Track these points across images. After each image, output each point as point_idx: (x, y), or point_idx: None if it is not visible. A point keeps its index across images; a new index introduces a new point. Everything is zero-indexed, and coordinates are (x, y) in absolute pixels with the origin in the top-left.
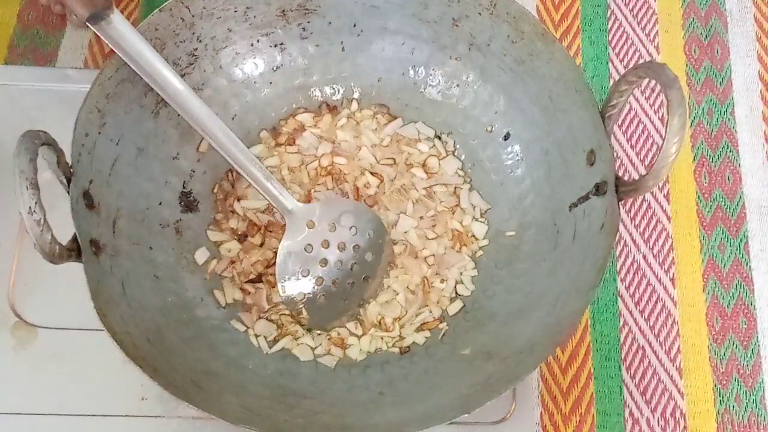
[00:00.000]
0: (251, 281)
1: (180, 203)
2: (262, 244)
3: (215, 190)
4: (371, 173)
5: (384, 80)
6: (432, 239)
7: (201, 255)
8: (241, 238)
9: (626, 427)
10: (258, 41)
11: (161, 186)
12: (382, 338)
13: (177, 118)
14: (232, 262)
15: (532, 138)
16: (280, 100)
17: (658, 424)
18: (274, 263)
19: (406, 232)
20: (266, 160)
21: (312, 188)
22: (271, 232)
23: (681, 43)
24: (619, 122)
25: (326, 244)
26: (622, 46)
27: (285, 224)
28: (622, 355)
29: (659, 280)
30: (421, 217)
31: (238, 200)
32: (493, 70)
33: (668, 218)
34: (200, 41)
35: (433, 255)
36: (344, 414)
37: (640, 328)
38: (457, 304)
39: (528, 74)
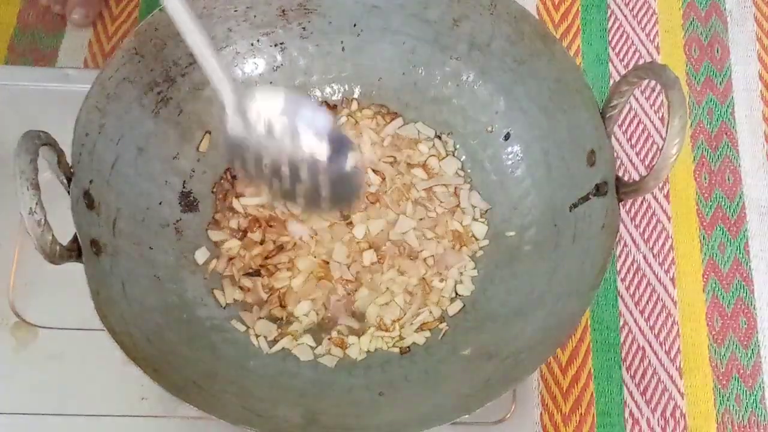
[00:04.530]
0: (249, 274)
1: (180, 203)
2: (262, 242)
3: (214, 189)
4: (373, 171)
5: (384, 80)
6: (431, 239)
7: (201, 255)
8: (242, 235)
9: (626, 427)
10: (258, 41)
11: (161, 186)
12: (382, 338)
13: (177, 118)
14: (231, 258)
15: (532, 138)
16: None
17: (658, 424)
18: (273, 255)
19: (405, 232)
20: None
21: None
22: (271, 227)
23: (681, 43)
24: (619, 122)
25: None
26: (622, 46)
27: (284, 219)
28: (622, 355)
29: (659, 280)
30: (421, 219)
31: (237, 198)
32: (493, 70)
33: (668, 218)
34: None
35: (432, 255)
36: (344, 414)
37: (640, 328)
38: (457, 305)
39: (528, 74)
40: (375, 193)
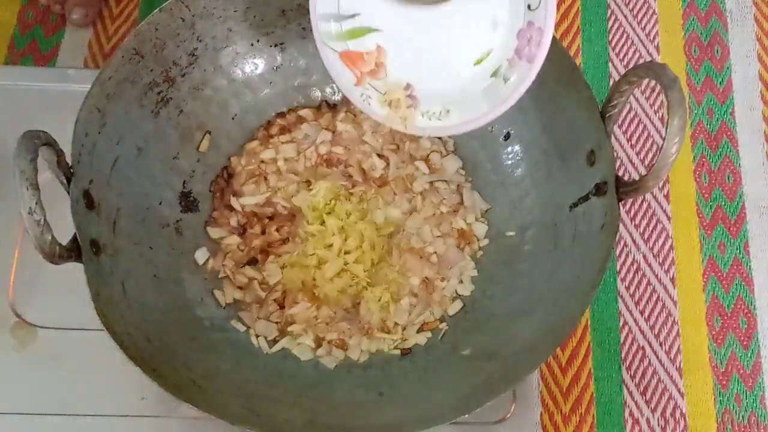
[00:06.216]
0: (248, 263)
1: (180, 203)
2: (263, 232)
3: (212, 188)
4: (378, 155)
5: None
6: (438, 237)
7: (201, 255)
8: (241, 231)
9: (626, 427)
10: (258, 41)
11: (161, 186)
12: (383, 340)
13: (177, 118)
14: (228, 254)
15: (532, 138)
16: (280, 100)
17: (658, 424)
18: (277, 246)
19: (418, 228)
20: (262, 153)
21: (311, 176)
22: (272, 220)
23: (681, 43)
24: (619, 122)
25: None
26: (622, 46)
27: (285, 214)
28: (622, 355)
29: (659, 280)
30: (425, 218)
31: (235, 196)
32: None
33: (668, 218)
34: (200, 41)
35: (435, 253)
36: (344, 414)
37: (640, 328)
38: (457, 304)
39: None
40: (381, 177)
